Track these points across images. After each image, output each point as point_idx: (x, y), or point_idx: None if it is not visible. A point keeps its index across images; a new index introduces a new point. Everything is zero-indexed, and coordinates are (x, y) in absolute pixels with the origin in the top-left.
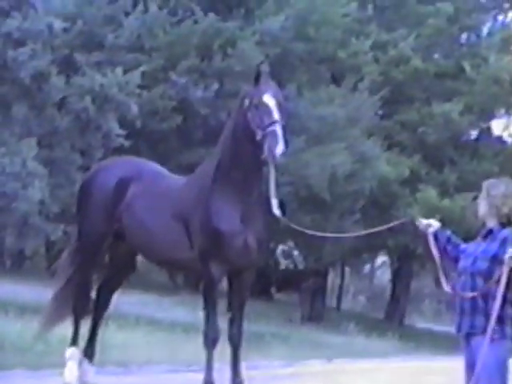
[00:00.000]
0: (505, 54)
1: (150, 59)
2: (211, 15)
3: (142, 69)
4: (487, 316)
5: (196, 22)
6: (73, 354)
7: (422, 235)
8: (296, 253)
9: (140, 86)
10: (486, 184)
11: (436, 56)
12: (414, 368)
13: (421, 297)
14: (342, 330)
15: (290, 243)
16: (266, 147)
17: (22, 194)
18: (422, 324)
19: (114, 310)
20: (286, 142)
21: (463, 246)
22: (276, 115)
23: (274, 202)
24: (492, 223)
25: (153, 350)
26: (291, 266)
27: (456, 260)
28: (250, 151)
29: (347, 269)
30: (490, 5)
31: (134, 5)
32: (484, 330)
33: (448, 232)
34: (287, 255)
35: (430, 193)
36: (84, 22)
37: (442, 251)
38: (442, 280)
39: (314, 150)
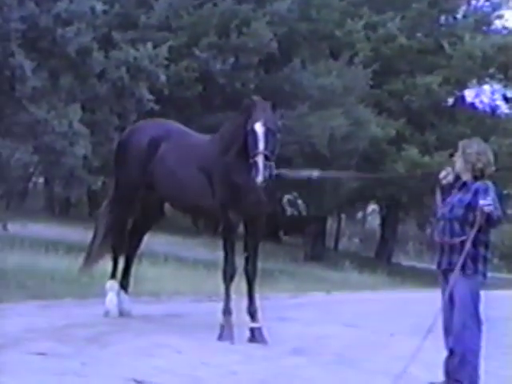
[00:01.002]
0: (477, 34)
1: (176, 37)
2: None
3: (169, 43)
4: (461, 255)
5: (215, 4)
6: (112, 285)
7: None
8: (300, 202)
9: (168, 59)
10: (461, 143)
11: (419, 35)
12: (399, 298)
13: (406, 239)
14: (338, 267)
15: (295, 193)
16: (251, 175)
17: (68, 150)
18: (406, 262)
19: (147, 249)
20: (271, 167)
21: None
22: (261, 146)
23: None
24: (466, 177)
25: (179, 283)
26: (296, 213)
27: None
28: None
29: (343, 215)
30: None
31: None
32: (460, 268)
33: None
34: (292, 204)
35: (412, 151)
36: (121, 5)
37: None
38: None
39: (316, 114)
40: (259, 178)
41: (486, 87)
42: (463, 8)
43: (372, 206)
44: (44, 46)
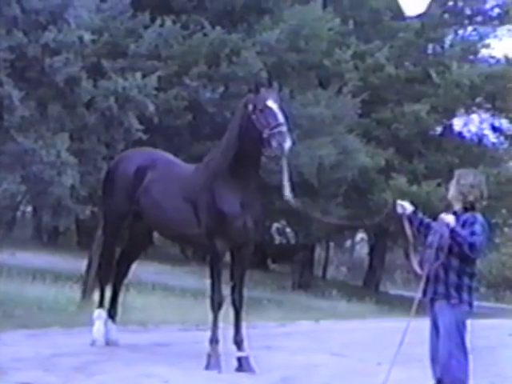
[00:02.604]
0: (465, 63)
1: (165, 66)
2: (218, 29)
3: (158, 74)
4: (447, 285)
5: (205, 34)
6: (99, 314)
7: (398, 218)
8: (288, 230)
9: (157, 89)
10: (457, 173)
11: (407, 64)
12: (388, 327)
13: (393, 267)
14: (326, 295)
15: (283, 222)
16: (274, 144)
17: (56, 180)
18: (394, 290)
19: (134, 277)
20: (292, 140)
21: (433, 223)
22: (281, 118)
23: (287, 188)
24: (457, 207)
25: (167, 312)
26: (284, 241)
27: (427, 237)
28: (251, 148)
29: (331, 244)
30: (451, 21)
31: (152, 20)
32: (444, 296)
33: (420, 215)
34: (281, 232)
35: (400, 180)
36: (109, 34)
37: (416, 231)
38: (413, 261)
39: (305, 143)
40: (287, 144)
41: (475, 116)
42: (450, 37)
43: (360, 235)
44: (32, 75)
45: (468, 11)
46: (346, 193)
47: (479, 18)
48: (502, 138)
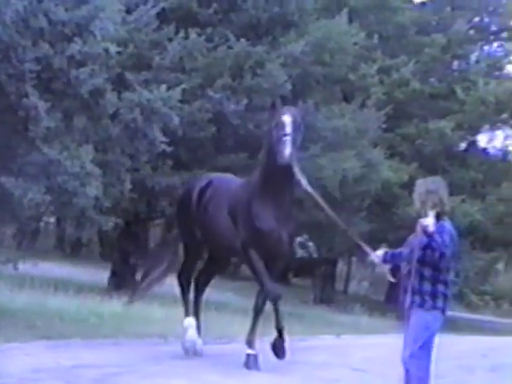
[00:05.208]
0: (490, 79)
1: (189, 78)
2: (243, 41)
3: (182, 86)
4: (422, 294)
5: (229, 46)
6: (190, 323)
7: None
8: (311, 244)
9: (181, 101)
10: (416, 183)
11: (432, 79)
12: None
13: None
14: (348, 310)
15: (306, 236)
16: (276, 152)
17: (80, 191)
18: None
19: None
20: (295, 149)
21: (408, 241)
22: (288, 130)
23: (303, 182)
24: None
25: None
26: (306, 255)
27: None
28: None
29: (353, 258)
30: (477, 36)
31: (177, 32)
32: (419, 305)
33: (389, 251)
34: (303, 246)
35: None
36: (134, 46)
37: (394, 265)
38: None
39: (328, 156)
40: (286, 152)
41: (499, 132)
42: (476, 53)
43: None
44: (58, 86)
45: (494, 27)
46: (370, 207)
47: (505, 34)
48: None
